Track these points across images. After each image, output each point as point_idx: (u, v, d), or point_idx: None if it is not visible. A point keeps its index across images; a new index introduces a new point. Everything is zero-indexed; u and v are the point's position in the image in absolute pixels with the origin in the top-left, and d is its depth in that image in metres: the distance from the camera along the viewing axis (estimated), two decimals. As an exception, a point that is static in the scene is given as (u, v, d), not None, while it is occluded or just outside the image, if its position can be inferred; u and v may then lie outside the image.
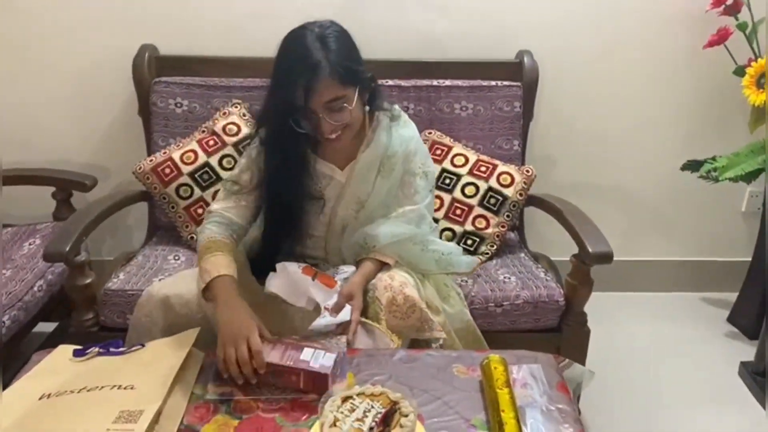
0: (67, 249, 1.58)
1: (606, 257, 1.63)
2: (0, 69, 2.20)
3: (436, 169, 1.99)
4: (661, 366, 2.17)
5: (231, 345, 1.28)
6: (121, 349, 1.33)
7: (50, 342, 1.77)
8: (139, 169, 1.99)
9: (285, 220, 1.60)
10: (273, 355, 1.27)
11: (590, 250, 1.63)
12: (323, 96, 1.40)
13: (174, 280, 1.66)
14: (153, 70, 2.12)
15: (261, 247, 1.67)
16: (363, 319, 1.48)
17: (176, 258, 1.93)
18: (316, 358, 1.27)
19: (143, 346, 1.34)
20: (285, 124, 1.44)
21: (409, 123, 1.67)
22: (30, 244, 1.93)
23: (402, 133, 1.62)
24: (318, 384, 1.24)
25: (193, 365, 1.32)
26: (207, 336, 1.51)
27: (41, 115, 2.25)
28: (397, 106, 1.67)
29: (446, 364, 1.35)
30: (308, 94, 1.39)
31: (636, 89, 2.34)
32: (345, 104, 1.43)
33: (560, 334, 1.76)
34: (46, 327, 1.97)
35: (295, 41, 1.43)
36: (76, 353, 1.32)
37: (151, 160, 2.00)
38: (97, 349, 1.32)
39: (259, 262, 1.63)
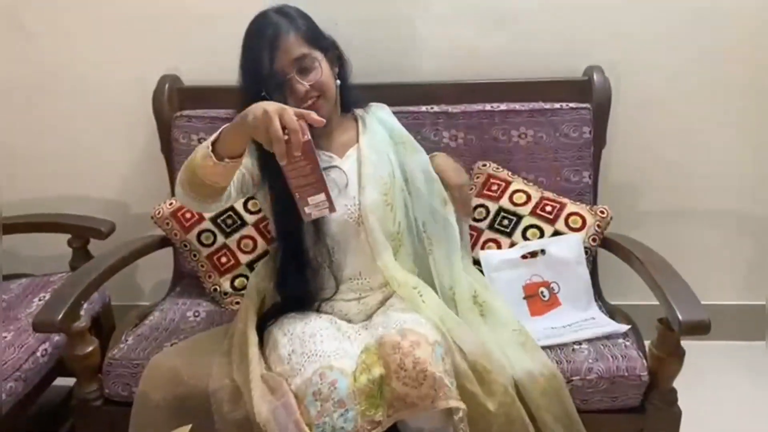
0: (59, 318, 1.39)
1: (700, 327, 1.30)
2: (13, 108, 2.07)
3: (493, 206, 1.75)
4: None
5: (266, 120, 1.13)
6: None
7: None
8: (158, 213, 1.81)
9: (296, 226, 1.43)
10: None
11: (680, 317, 1.30)
12: (290, 53, 1.39)
13: (185, 346, 1.52)
14: (175, 102, 1.94)
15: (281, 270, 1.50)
16: None
17: (196, 315, 1.72)
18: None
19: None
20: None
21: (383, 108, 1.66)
22: (39, 300, 1.76)
23: (384, 115, 1.63)
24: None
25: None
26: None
27: (60, 154, 2.11)
28: (373, 104, 1.66)
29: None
30: (274, 53, 1.37)
31: (730, 105, 1.98)
32: (317, 65, 1.41)
33: (644, 414, 1.44)
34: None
35: (256, 21, 1.43)
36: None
37: (170, 204, 1.81)
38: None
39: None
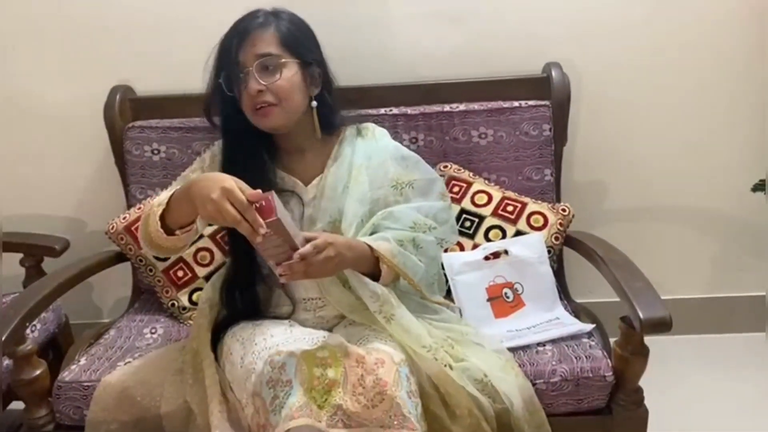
0: (1, 342, 1.33)
1: (661, 324, 1.27)
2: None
3: (455, 208, 1.70)
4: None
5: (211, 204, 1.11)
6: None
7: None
8: (112, 228, 1.75)
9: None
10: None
11: (641, 315, 1.27)
12: (257, 47, 1.34)
13: (137, 365, 1.46)
14: (128, 113, 1.89)
15: (229, 287, 1.46)
16: None
17: (153, 331, 1.67)
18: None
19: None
20: (227, 101, 1.38)
21: (379, 132, 1.53)
22: (-11, 323, 1.69)
23: (369, 145, 1.49)
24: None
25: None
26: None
27: (9, 170, 2.04)
28: (369, 125, 1.55)
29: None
30: (242, 43, 1.34)
31: (692, 99, 1.97)
32: (280, 69, 1.34)
33: (611, 416, 1.41)
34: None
35: (247, 13, 1.39)
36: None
37: (124, 218, 1.76)
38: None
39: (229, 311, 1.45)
